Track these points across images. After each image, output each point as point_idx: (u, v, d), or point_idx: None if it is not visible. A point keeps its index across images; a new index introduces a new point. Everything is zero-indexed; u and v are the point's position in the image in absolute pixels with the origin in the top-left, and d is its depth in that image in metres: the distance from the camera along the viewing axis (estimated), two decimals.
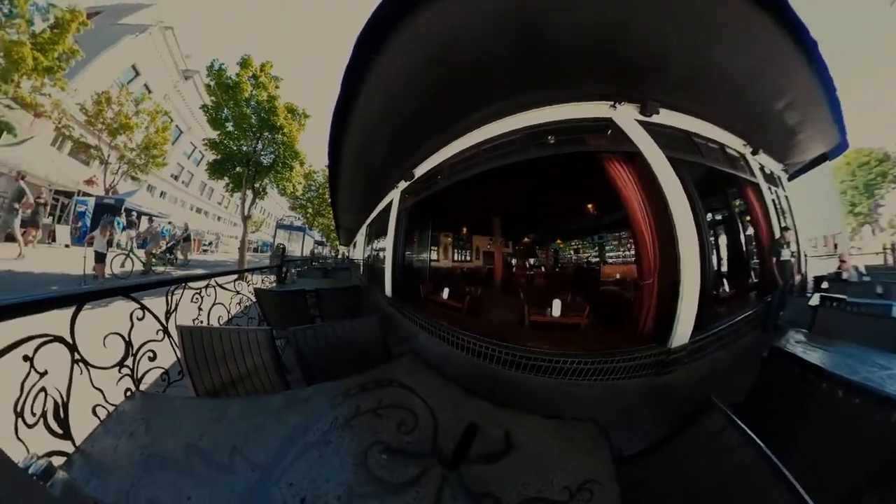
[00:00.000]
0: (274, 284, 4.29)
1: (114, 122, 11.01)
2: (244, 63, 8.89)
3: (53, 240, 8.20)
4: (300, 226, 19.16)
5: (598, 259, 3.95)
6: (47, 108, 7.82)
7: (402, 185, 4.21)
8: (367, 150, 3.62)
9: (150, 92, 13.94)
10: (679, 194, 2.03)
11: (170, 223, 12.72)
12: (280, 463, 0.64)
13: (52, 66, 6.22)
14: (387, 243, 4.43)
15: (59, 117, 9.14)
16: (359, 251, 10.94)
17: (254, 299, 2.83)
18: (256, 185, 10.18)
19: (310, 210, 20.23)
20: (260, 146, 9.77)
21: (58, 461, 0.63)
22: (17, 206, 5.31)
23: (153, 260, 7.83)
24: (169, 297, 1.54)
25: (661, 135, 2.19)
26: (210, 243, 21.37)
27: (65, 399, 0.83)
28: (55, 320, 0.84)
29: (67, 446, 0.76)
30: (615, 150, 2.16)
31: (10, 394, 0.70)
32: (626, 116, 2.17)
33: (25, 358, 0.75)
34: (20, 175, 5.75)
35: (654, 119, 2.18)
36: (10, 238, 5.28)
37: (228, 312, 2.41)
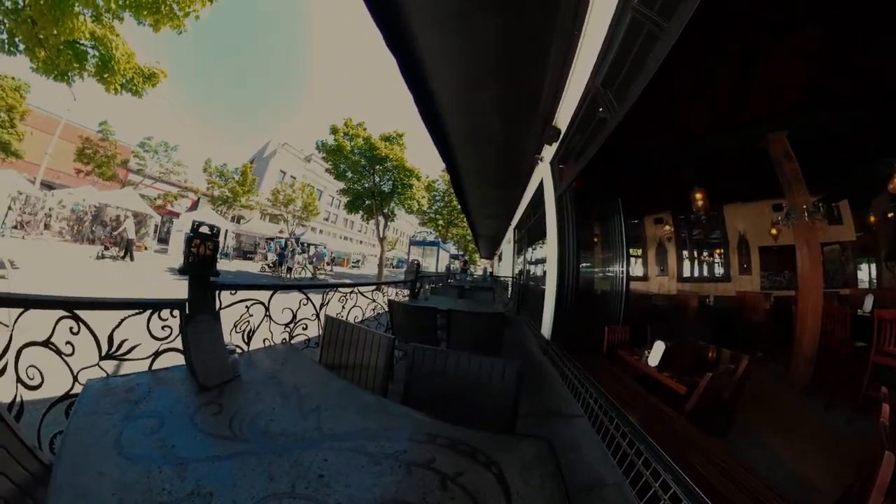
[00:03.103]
0: (407, 298, 5.19)
1: (284, 199, 27.04)
2: (333, 130, 14.47)
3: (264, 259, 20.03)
4: (433, 240, 22.44)
5: None
6: (254, 205, 25.45)
7: (549, 151, 4.11)
8: (478, 109, 3.95)
9: (294, 178, 34.82)
10: None
11: (325, 248, 23.02)
12: (328, 441, 0.94)
13: (249, 189, 23.96)
14: (545, 251, 4.28)
15: (259, 206, 26.41)
16: (506, 265, 11.93)
17: (386, 309, 3.58)
18: (385, 211, 15.74)
19: (440, 222, 22.84)
20: (377, 179, 15.22)
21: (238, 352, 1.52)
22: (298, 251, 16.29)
23: (316, 271, 16.19)
24: (324, 296, 2.88)
25: None
26: (357, 261, 37.20)
27: (253, 330, 2.12)
28: (261, 296, 2.18)
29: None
30: None
31: (232, 320, 1.98)
32: None
33: (245, 307, 2.03)
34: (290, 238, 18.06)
35: None
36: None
37: (363, 314, 3.60)
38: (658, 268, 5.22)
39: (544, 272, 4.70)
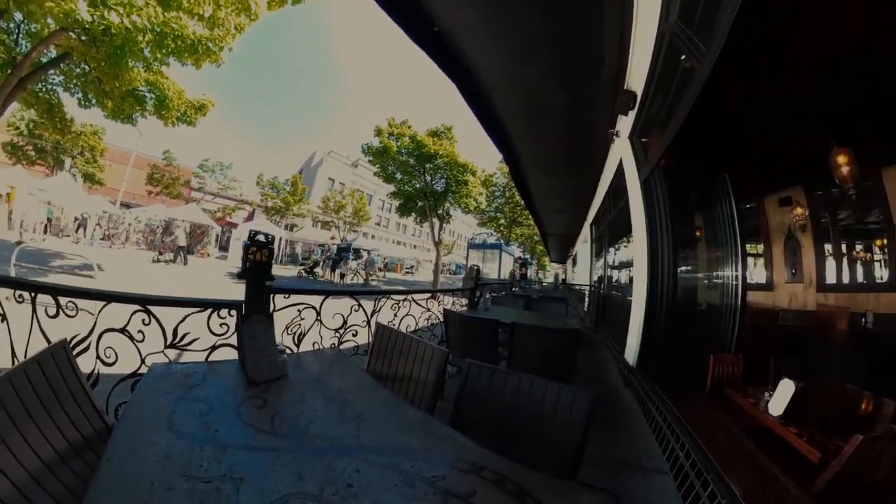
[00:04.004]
0: (465, 308, 5.22)
1: (335, 206, 30.32)
2: (377, 131, 15.33)
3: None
4: (494, 242, 21.48)
5: None
6: (305, 213, 30.22)
7: (626, 122, 3.76)
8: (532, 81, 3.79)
9: (342, 184, 39.63)
10: None
11: (378, 254, 24.47)
12: (364, 452, 1.01)
13: (300, 198, 29.03)
14: (631, 252, 3.87)
15: (311, 214, 31.10)
16: (582, 270, 11.22)
17: (441, 319, 3.60)
18: (439, 212, 16.17)
19: (502, 221, 22.73)
20: (428, 178, 15.71)
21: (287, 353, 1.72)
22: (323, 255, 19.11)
23: (369, 277, 17.89)
24: (376, 303, 3.01)
25: None
26: (412, 267, 39.56)
27: (304, 333, 2.39)
28: (313, 301, 2.44)
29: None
30: None
31: (284, 322, 2.21)
32: None
33: (298, 311, 2.34)
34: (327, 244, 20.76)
35: None
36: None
37: (416, 324, 3.65)
38: (788, 271, 4.11)
39: (630, 279, 4.17)
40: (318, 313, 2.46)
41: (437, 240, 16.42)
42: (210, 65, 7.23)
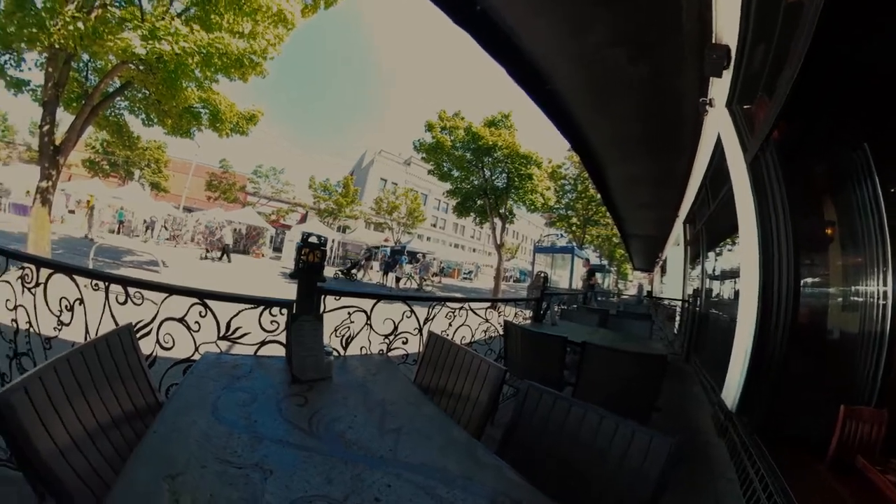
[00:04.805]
0: (529, 321, 5.03)
1: (387, 207, 32.53)
2: (429, 126, 15.45)
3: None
4: (565, 245, 20.04)
5: None
6: (358, 215, 34.10)
7: (720, 87, 3.49)
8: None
9: (395, 184, 43.33)
10: None
11: (434, 258, 25.34)
12: (399, 468, 1.05)
13: (352, 200, 32.68)
14: (736, 258, 3.55)
15: (363, 216, 35.25)
16: (672, 280, 10.19)
17: (501, 332, 3.61)
18: (501, 211, 15.91)
19: (573, 220, 21.70)
20: (488, 173, 15.53)
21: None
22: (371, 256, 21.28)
23: (423, 282, 18.56)
24: (430, 310, 3.09)
25: None
26: (470, 272, 39.78)
27: (352, 337, 2.57)
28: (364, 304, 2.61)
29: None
30: None
31: (333, 324, 2.44)
32: None
33: (348, 314, 2.51)
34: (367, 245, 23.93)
35: None
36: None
37: (472, 335, 3.64)
38: None
39: (735, 293, 3.76)
40: (369, 317, 2.61)
41: (498, 242, 16.13)
42: (256, 77, 8.64)
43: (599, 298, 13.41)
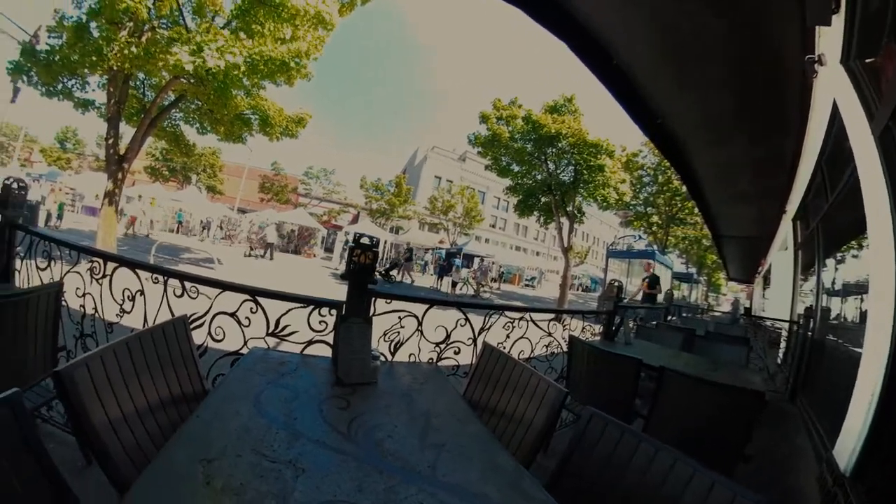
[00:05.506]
0: (598, 337, 4.89)
1: (442, 207, 34.28)
2: (483, 117, 15.06)
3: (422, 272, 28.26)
4: (644, 249, 18.81)
5: None
6: (411, 215, 35.65)
7: (830, 37, 3.02)
8: None
9: (450, 182, 42.91)
10: None
11: (493, 262, 25.53)
12: (435, 487, 1.07)
13: (405, 199, 34.21)
14: (864, 265, 3.32)
15: (417, 216, 36.83)
16: (777, 295, 9.17)
17: (565, 348, 3.56)
18: (569, 209, 14.98)
19: (655, 218, 20.16)
20: (552, 166, 14.74)
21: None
22: (411, 257, 21.37)
23: (481, 288, 18.84)
24: (486, 319, 3.11)
25: None
26: (532, 279, 39.30)
27: (401, 342, 2.67)
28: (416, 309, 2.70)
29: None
30: None
31: (383, 328, 2.55)
32: None
33: (398, 318, 2.62)
34: (408, 244, 25.36)
35: None
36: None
37: (531, 350, 3.55)
38: None
39: (862, 315, 3.31)
40: (420, 323, 2.67)
41: (565, 245, 15.10)
42: (302, 80, 9.73)
43: (685, 315, 12.34)
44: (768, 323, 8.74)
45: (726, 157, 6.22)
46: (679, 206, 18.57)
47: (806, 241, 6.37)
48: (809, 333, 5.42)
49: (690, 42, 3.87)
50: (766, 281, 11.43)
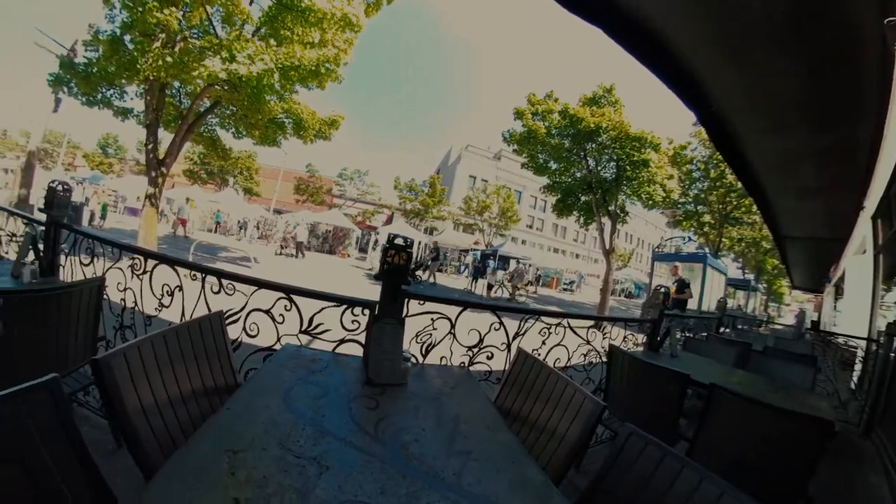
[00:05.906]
0: (641, 348, 4.67)
1: (477, 207, 33.92)
2: (518, 113, 14.69)
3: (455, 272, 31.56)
4: (694, 252, 17.48)
5: None
6: (446, 216, 36.16)
7: None
8: None
9: (485, 181, 43.08)
10: None
11: (530, 265, 25.72)
12: (460, 495, 1.07)
13: (439, 200, 35.09)
14: None
15: (452, 216, 37.10)
16: (853, 307, 8.46)
17: (604, 358, 3.45)
18: (611, 209, 14.46)
19: (706, 218, 18.69)
20: (592, 162, 14.30)
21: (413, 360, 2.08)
22: (437, 257, 22.45)
23: (515, 291, 19.10)
24: (521, 324, 3.13)
25: None
26: (571, 283, 38.70)
27: (433, 345, 2.76)
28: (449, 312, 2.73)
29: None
30: None
31: (415, 329, 2.63)
32: None
33: (431, 320, 2.69)
34: (436, 244, 27.03)
35: None
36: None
37: (568, 359, 3.54)
38: None
39: None
40: (453, 326, 2.72)
41: (607, 247, 14.37)
42: (333, 83, 10.30)
43: (740, 326, 11.52)
44: (840, 340, 8.08)
45: (788, 147, 5.68)
46: (734, 203, 17.29)
47: (889, 243, 5.88)
48: (893, 355, 4.96)
49: (748, 15, 3.58)
50: (838, 290, 10.58)
